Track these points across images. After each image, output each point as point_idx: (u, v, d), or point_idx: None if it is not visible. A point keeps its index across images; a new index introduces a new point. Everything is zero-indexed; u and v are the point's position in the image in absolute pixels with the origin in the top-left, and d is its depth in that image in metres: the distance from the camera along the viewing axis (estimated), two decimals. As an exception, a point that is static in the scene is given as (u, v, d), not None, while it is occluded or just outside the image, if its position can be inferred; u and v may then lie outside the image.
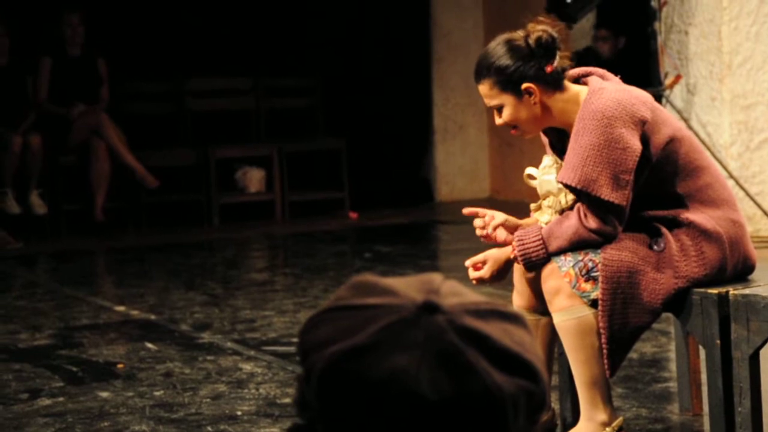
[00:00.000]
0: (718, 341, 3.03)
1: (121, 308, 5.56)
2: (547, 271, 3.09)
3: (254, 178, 8.62)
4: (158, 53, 8.65)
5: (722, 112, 6.58)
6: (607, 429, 3.12)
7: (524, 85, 3.07)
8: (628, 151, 2.98)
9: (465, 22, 9.22)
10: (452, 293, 1.08)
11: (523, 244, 3.10)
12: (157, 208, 8.25)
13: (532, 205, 3.31)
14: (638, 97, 3.09)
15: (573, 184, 3.01)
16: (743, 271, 3.16)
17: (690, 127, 6.63)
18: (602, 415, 3.12)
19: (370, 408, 1.03)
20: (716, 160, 6.52)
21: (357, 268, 6.49)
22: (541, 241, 3.09)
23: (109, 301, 5.81)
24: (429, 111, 9.28)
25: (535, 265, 3.11)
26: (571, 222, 3.07)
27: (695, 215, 3.10)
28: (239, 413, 3.80)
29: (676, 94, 6.78)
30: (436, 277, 1.10)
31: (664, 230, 3.08)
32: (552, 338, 3.24)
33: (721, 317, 3.03)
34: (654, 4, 6.85)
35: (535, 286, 3.22)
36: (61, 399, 4.03)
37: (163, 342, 4.82)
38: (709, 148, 6.54)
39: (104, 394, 4.06)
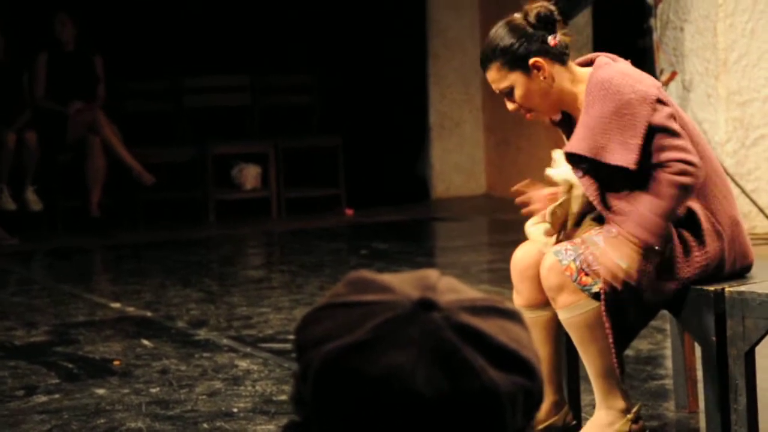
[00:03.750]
0: (714, 338, 3.03)
1: (117, 305, 5.56)
2: (548, 267, 3.08)
3: (250, 175, 8.61)
4: (155, 51, 8.64)
5: (718, 108, 6.59)
6: (628, 416, 3.13)
7: (531, 60, 3.05)
8: (637, 117, 2.96)
9: (461, 19, 9.22)
10: (449, 290, 1.08)
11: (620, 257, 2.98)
12: (153, 205, 8.24)
13: (530, 221, 3.27)
14: (646, 75, 3.11)
15: (582, 153, 2.99)
16: (741, 269, 3.16)
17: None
18: (621, 403, 3.13)
19: (366, 405, 1.02)
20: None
21: (353, 265, 6.48)
22: (636, 246, 2.97)
23: (105, 297, 5.81)
24: (425, 108, 9.27)
25: (656, 253, 3.01)
26: (647, 198, 2.96)
27: (698, 210, 3.08)
28: (235, 410, 3.80)
29: (672, 91, 6.78)
30: (432, 274, 1.10)
31: (671, 229, 3.06)
32: (557, 332, 3.23)
33: (716, 314, 3.03)
34: (649, 0, 6.85)
35: (534, 283, 3.21)
36: (57, 396, 4.03)
37: (159, 339, 4.82)
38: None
39: (100, 391, 4.06)
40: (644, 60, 6.84)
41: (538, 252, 3.20)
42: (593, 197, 3.08)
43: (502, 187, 9.19)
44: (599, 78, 3.01)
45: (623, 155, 2.95)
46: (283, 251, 7.60)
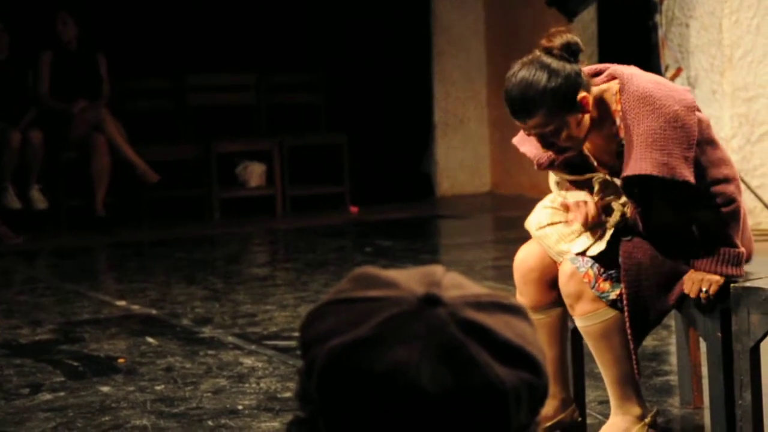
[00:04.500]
0: (719, 334, 3.03)
1: (122, 303, 5.56)
2: (567, 274, 3.06)
3: (255, 173, 8.61)
4: (158, 49, 8.64)
5: (723, 105, 6.58)
6: (646, 420, 3.12)
7: (579, 97, 2.87)
8: (686, 128, 2.87)
9: (466, 17, 9.21)
10: (453, 285, 1.08)
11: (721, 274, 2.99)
12: (158, 203, 8.25)
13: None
14: (671, 82, 3.12)
15: (649, 172, 2.84)
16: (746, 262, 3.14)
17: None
18: (636, 409, 3.12)
19: (371, 401, 1.02)
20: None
21: (358, 262, 6.48)
22: (731, 266, 2.99)
23: (110, 295, 5.81)
24: (430, 105, 9.27)
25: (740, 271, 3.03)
26: (714, 218, 2.95)
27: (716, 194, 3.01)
28: (240, 407, 3.80)
29: (677, 88, 6.77)
30: (437, 269, 1.10)
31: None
32: (563, 333, 3.22)
33: (721, 310, 3.03)
34: (655, -3, 6.83)
35: (537, 285, 3.20)
36: (62, 394, 4.03)
37: (164, 336, 4.82)
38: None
39: (105, 389, 4.07)
40: (650, 56, 6.84)
41: (539, 253, 3.19)
42: (636, 217, 3.02)
43: (506, 184, 9.18)
44: (636, 93, 2.87)
45: (687, 170, 2.85)
46: (287, 249, 7.60)
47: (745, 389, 3.00)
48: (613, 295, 3.03)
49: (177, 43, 8.69)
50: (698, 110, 2.97)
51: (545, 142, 2.92)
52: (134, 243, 7.52)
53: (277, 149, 8.56)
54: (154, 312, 5.33)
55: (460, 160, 9.31)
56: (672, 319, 3.75)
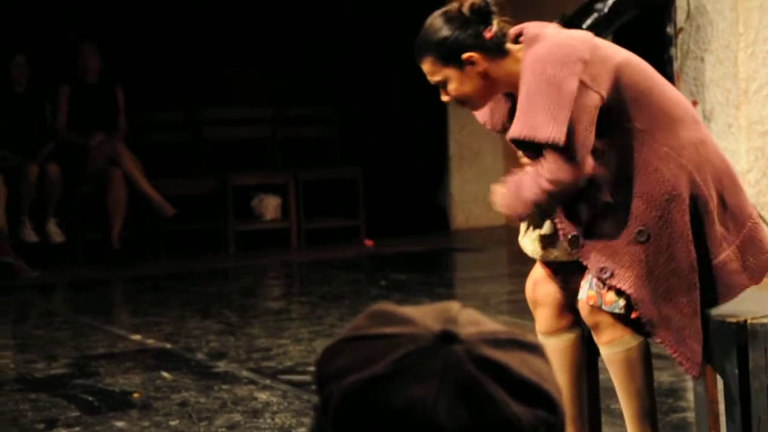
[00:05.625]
0: (736, 371, 3.01)
1: (137, 337, 5.56)
2: (582, 310, 3.05)
3: (270, 206, 8.63)
4: (175, 83, 8.69)
5: (739, 138, 6.57)
6: None
7: (465, 55, 2.97)
8: (562, 90, 2.85)
9: (480, 50, 9.23)
10: (470, 322, 1.08)
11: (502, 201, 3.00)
12: (173, 236, 8.27)
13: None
14: (575, 37, 2.98)
15: (514, 136, 2.89)
16: (733, 202, 3.03)
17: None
18: None
19: (387, 439, 1.02)
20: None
21: (373, 296, 6.47)
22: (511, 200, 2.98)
23: (125, 329, 5.81)
24: (444, 138, 9.28)
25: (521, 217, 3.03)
26: (526, 181, 2.93)
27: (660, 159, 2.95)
28: (255, 443, 3.78)
29: (693, 121, 6.77)
30: (453, 306, 1.09)
31: (648, 221, 2.94)
32: (577, 360, 3.20)
33: (739, 346, 3.01)
34: (669, 30, 6.85)
35: (549, 310, 3.19)
36: (77, 429, 4.03)
37: (178, 371, 4.82)
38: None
39: (120, 424, 4.06)
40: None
41: (544, 278, 3.19)
42: None
43: (522, 217, 9.17)
44: (528, 57, 2.92)
45: (554, 129, 2.83)
46: (302, 282, 7.60)
47: (764, 427, 2.98)
48: (622, 303, 2.99)
49: (192, 76, 8.74)
50: (584, 85, 2.87)
51: (443, 93, 3.05)
52: (150, 276, 7.53)
53: (293, 182, 8.58)
54: (168, 346, 5.33)
55: (474, 193, 9.32)
56: (689, 355, 3.72)
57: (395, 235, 8.64)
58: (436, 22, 3.00)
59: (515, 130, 2.89)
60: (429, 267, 7.70)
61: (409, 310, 1.09)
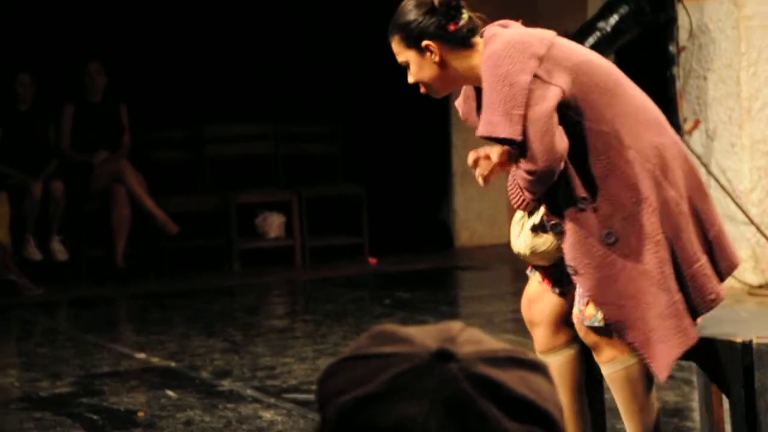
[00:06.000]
0: (742, 391, 3.01)
1: (141, 355, 5.57)
2: (580, 331, 3.07)
3: (274, 224, 8.63)
4: (178, 100, 8.70)
5: (742, 157, 6.57)
6: None
7: (424, 43, 3.06)
8: (514, 86, 2.91)
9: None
10: (469, 341, 1.08)
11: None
12: (177, 254, 8.27)
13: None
14: (533, 34, 3.03)
15: (479, 135, 3.01)
16: (694, 193, 3.04)
17: (710, 173, 6.62)
18: None
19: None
20: (736, 206, 6.50)
21: (377, 314, 6.47)
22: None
23: (130, 348, 5.81)
24: (448, 155, 9.29)
25: (528, 206, 3.10)
26: (517, 173, 3.04)
27: (621, 161, 2.97)
28: (260, 462, 3.78)
29: (696, 140, 6.77)
30: (455, 326, 1.10)
31: (615, 224, 2.96)
32: (577, 373, 3.19)
33: (744, 366, 3.01)
34: (672, 49, 6.86)
35: (544, 328, 3.19)
36: (82, 448, 4.03)
37: (183, 389, 4.82)
38: (729, 194, 6.52)
39: (125, 443, 4.06)
40: (668, 108, 6.84)
41: (538, 295, 3.20)
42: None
43: (525, 235, 9.17)
44: (486, 55, 2.99)
45: (510, 127, 2.92)
46: (306, 300, 7.60)
47: (769, 447, 2.98)
48: (600, 316, 3.01)
49: (195, 94, 8.75)
50: (538, 78, 2.92)
51: (409, 73, 3.13)
52: (154, 294, 7.53)
53: (296, 200, 8.59)
54: (173, 364, 5.33)
55: (478, 211, 9.31)
56: (694, 375, 3.72)
57: (399, 253, 8.64)
58: (407, 5, 3.11)
59: (479, 129, 3.01)
60: (433, 285, 7.70)
61: (411, 330, 1.09)
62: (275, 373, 5.08)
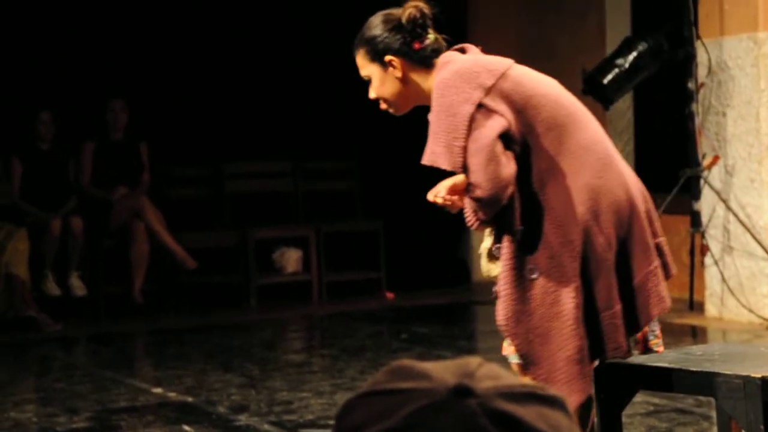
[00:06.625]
0: (762, 426, 2.98)
1: (158, 390, 5.56)
2: (515, 370, 3.09)
3: (291, 259, 8.65)
4: (197, 138, 8.75)
5: (762, 193, 6.55)
6: None
7: (387, 57, 3.09)
8: (456, 116, 2.94)
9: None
10: (488, 377, 1.08)
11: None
12: (195, 289, 8.29)
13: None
14: (484, 64, 3.02)
15: (423, 163, 3.03)
16: (627, 234, 3.03)
17: (729, 208, 6.60)
18: None
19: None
20: (756, 242, 6.48)
21: (394, 348, 6.46)
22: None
23: (147, 382, 5.81)
24: (466, 192, 9.29)
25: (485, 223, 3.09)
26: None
27: (552, 199, 2.99)
28: (277, 498, 3.77)
29: (715, 176, 6.76)
30: (473, 361, 1.10)
31: (540, 260, 2.98)
32: (584, 419, 3.19)
33: (764, 402, 2.99)
34: (691, 85, 6.87)
35: None
36: (98, 483, 4.02)
37: (200, 425, 4.81)
38: (749, 230, 6.49)
39: (141, 478, 4.05)
40: (687, 144, 6.84)
41: None
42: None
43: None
44: (437, 83, 3.02)
45: (450, 158, 2.96)
46: (324, 335, 7.59)
47: (790, 483, 2.95)
48: (513, 352, 3.02)
49: (214, 131, 8.80)
50: (483, 107, 2.93)
51: (371, 87, 3.16)
52: (172, 329, 7.54)
53: (314, 235, 8.61)
54: (190, 399, 5.33)
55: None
56: (713, 410, 3.70)
57: (417, 288, 8.63)
58: (375, 20, 3.14)
59: (423, 158, 3.06)
60: (451, 320, 7.69)
61: (429, 366, 1.09)
62: (292, 407, 5.07)
